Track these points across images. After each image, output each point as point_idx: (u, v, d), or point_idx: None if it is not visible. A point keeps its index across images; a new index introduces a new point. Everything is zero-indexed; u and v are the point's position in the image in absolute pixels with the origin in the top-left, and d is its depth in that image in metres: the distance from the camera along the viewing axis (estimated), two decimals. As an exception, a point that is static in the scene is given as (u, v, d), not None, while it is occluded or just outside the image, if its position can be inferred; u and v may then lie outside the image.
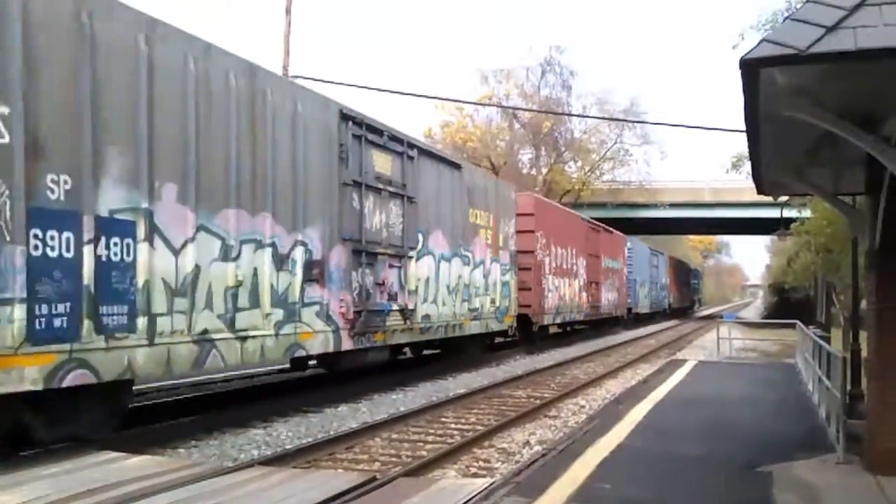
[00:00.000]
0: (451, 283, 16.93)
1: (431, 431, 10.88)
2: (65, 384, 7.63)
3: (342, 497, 6.53)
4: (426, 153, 16.09)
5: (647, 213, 50.07)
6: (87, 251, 7.85)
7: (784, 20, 5.34)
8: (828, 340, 12.85)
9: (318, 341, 11.84)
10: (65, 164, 7.65)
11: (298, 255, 11.36)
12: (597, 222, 33.93)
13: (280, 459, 8.40)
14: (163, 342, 8.78)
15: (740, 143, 33.65)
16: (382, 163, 13.90)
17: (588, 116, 47.42)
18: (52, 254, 7.49)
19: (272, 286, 10.73)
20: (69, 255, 7.67)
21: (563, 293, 26.76)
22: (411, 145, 15.06)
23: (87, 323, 7.84)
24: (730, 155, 30.86)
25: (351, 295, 12.68)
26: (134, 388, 9.60)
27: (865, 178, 7.39)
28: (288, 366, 14.59)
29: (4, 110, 7.13)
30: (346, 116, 12.70)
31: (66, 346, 7.64)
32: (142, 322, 8.52)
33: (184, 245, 9.15)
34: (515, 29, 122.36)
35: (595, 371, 19.10)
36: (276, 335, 10.81)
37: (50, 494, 6.38)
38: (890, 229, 6.96)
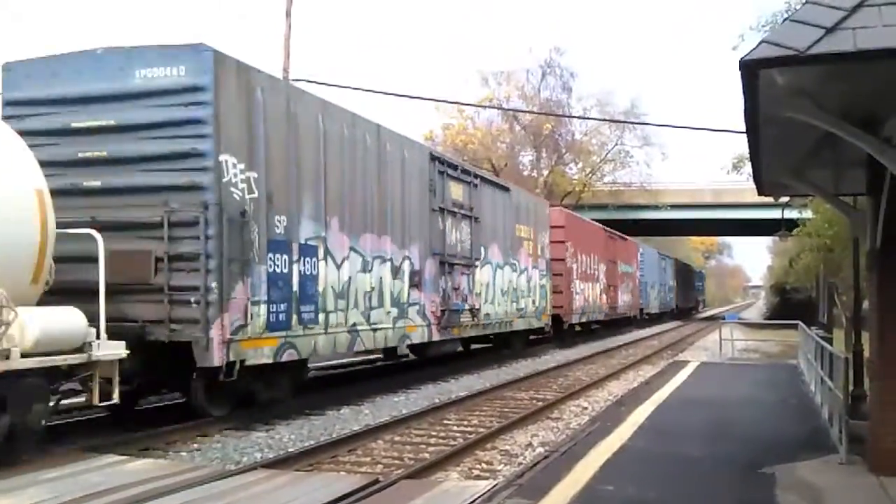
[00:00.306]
0: (504, 287, 20.41)
1: (434, 433, 10.88)
2: (282, 359, 11.07)
3: (345, 500, 6.54)
4: (485, 180, 19.88)
5: (648, 215, 50.00)
6: (295, 268, 11.36)
7: (783, 21, 5.34)
8: (830, 341, 12.87)
9: (419, 333, 15.50)
10: (283, 208, 11.13)
11: (406, 266, 14.86)
12: (613, 231, 36.81)
13: (282, 462, 8.41)
14: (332, 331, 12.34)
15: (741, 144, 33.66)
16: (456, 191, 17.50)
17: (589, 118, 47.34)
18: (278, 270, 10.95)
19: (391, 291, 14.25)
20: (286, 271, 11.16)
21: (587, 296, 30.08)
22: (476, 175, 19.01)
23: (294, 317, 11.31)
24: (730, 156, 30.91)
25: (438, 297, 16.24)
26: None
27: (866, 178, 7.39)
28: (381, 356, 18.93)
29: (255, 174, 10.46)
30: (433, 157, 16.54)
31: (284, 333, 11.07)
32: (321, 317, 12.03)
33: (342, 261, 12.70)
34: (516, 31, 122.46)
35: (597, 373, 19.10)
36: (394, 328, 14.39)
37: (51, 498, 6.39)
38: (891, 230, 6.96)
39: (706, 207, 50.48)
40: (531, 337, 25.05)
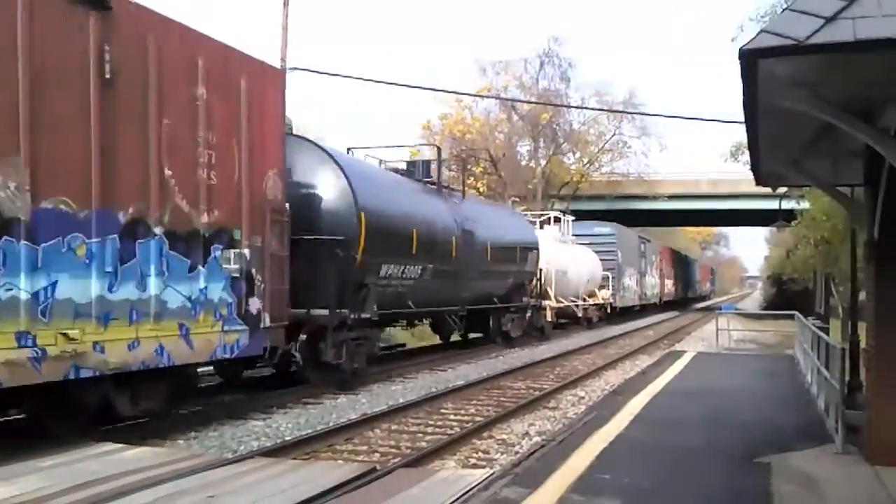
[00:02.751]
0: (650, 283, 46.57)
1: (431, 423, 10.91)
2: (622, 306, 39.61)
3: (342, 488, 6.55)
4: (648, 240, 46.16)
5: (645, 205, 49.97)
6: (621, 279, 38.88)
7: (783, 11, 5.31)
8: (827, 332, 12.86)
9: (636, 302, 42.75)
10: (624, 264, 39.54)
11: (635, 276, 42.24)
12: (676, 249, 65.39)
13: (280, 451, 8.43)
14: (624, 298, 39.74)
15: (739, 134, 33.73)
16: (641, 246, 44.13)
17: (587, 108, 47.20)
18: (621, 280, 38.99)
19: (633, 285, 41.74)
20: (623, 281, 39.30)
21: (668, 287, 54.75)
22: (645, 239, 45.67)
23: (622, 294, 39.25)
24: (728, 145, 30.92)
25: (639, 287, 43.29)
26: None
27: (864, 169, 7.39)
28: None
29: (622, 256, 39.50)
30: (638, 236, 44.28)
31: (623, 298, 39.40)
32: (625, 294, 39.90)
33: (629, 277, 40.89)
34: (514, 20, 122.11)
35: (594, 363, 19.14)
36: (633, 298, 42.15)
37: (48, 486, 6.39)
38: (888, 220, 6.96)
39: (703, 198, 50.54)
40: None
